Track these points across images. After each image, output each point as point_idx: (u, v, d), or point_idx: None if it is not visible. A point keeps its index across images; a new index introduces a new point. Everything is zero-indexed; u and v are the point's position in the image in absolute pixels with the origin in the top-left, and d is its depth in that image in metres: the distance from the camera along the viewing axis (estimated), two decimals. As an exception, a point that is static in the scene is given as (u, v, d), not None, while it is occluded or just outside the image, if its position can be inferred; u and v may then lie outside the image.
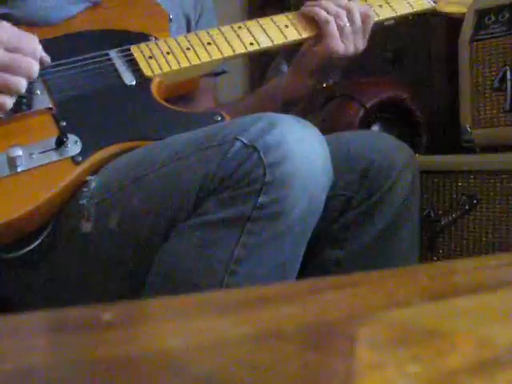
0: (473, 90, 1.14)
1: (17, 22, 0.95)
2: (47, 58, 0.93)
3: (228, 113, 0.97)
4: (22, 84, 0.87)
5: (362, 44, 1.07)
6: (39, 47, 0.90)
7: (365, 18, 1.07)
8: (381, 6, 1.13)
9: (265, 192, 0.78)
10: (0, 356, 0.28)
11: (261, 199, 0.78)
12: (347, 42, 1.05)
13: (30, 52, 0.88)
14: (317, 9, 1.06)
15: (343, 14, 1.05)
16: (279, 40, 1.06)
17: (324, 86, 1.56)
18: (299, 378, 0.26)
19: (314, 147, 0.81)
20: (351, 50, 1.06)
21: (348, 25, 1.05)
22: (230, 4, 2.10)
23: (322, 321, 0.35)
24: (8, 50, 0.86)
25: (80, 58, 0.97)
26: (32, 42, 0.89)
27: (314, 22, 1.08)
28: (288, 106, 1.13)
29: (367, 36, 1.08)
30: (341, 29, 1.05)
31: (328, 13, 1.05)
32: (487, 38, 1.13)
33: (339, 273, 1.02)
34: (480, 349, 0.30)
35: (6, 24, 0.89)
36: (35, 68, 0.88)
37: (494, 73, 1.11)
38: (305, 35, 1.07)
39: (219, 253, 0.80)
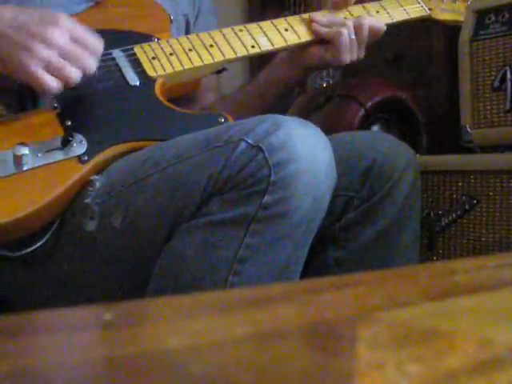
0: (473, 90, 1.14)
1: None
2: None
3: (227, 106, 0.97)
4: (77, 75, 0.87)
5: (363, 52, 1.08)
6: (101, 48, 0.91)
7: (374, 32, 1.08)
8: (378, 11, 1.14)
9: (269, 192, 0.78)
10: (0, 356, 0.28)
11: (265, 199, 0.78)
12: (352, 53, 1.06)
13: (95, 50, 0.89)
14: (326, 30, 1.06)
15: (351, 25, 1.06)
16: (280, 43, 1.07)
17: (324, 85, 1.57)
18: (299, 377, 0.26)
19: (319, 148, 0.81)
20: (354, 59, 1.07)
21: (354, 37, 1.06)
22: (230, 4, 2.10)
23: (321, 321, 0.35)
24: (72, 39, 0.87)
25: None
26: (98, 41, 0.90)
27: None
28: (286, 90, 1.14)
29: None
30: (350, 40, 1.05)
31: (338, 26, 1.06)
32: (487, 37, 1.13)
33: (339, 273, 1.02)
34: (480, 349, 0.30)
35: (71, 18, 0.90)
36: (93, 65, 0.89)
37: (493, 73, 1.11)
38: (304, 39, 1.08)
39: (223, 253, 0.81)
